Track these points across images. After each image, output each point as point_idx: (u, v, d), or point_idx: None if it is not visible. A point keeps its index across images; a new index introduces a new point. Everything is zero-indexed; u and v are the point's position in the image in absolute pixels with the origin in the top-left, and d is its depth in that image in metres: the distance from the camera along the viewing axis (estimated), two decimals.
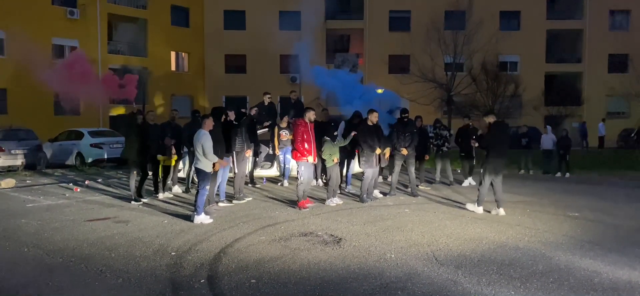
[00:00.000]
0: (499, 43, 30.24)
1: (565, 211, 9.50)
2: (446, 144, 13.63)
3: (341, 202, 10.22)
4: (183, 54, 35.59)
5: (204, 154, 8.50)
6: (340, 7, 37.13)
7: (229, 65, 35.78)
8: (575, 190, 12.53)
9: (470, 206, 9.52)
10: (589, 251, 6.66)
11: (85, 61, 14.19)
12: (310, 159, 9.66)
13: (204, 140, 8.52)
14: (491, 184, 9.23)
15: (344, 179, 11.98)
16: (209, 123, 8.76)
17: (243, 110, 12.82)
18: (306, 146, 9.45)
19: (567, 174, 15.58)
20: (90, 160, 18.46)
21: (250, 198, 10.70)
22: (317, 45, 31.15)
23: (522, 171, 16.72)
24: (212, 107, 10.59)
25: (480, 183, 9.30)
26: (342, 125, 12.43)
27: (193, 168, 9.74)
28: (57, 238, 7.46)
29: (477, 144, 10.03)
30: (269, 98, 13.59)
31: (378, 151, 10.37)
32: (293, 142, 9.74)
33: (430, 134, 13.94)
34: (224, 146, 9.50)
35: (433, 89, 30.76)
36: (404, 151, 11.12)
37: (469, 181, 13.31)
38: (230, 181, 10.92)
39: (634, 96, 31.37)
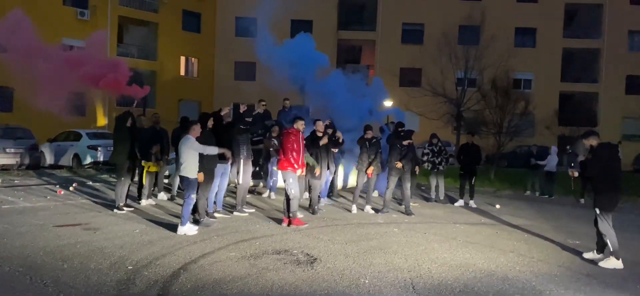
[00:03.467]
0: (513, 60, 29.47)
1: (566, 238, 8.83)
2: (444, 162, 12.95)
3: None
4: (193, 59, 35.42)
5: (198, 151, 8.03)
6: (353, 17, 36.74)
7: (238, 72, 35.49)
8: (581, 216, 11.78)
9: (607, 263, 6.99)
10: (585, 285, 6.02)
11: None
12: (299, 171, 9.12)
13: (191, 143, 8.02)
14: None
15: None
16: (197, 129, 8.27)
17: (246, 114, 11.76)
18: (294, 155, 8.87)
19: (582, 200, 14.35)
20: (87, 162, 18.16)
21: (253, 210, 10.19)
22: (328, 55, 30.70)
23: (528, 192, 16.00)
24: (201, 113, 10.04)
25: (597, 227, 7.26)
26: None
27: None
28: (17, 243, 7.00)
29: (575, 174, 7.97)
30: (264, 105, 13.10)
31: (317, 171, 10.09)
32: (281, 151, 9.13)
33: (426, 151, 13.28)
34: (215, 156, 8.93)
35: (443, 104, 30.12)
36: (399, 165, 10.55)
37: (462, 203, 12.61)
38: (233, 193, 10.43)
39: None
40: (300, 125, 9.16)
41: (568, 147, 13.99)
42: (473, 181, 12.79)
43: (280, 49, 14.15)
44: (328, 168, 10.96)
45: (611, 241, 6.98)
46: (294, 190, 8.91)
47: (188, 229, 7.93)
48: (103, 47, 10.86)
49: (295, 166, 8.93)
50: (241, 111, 9.90)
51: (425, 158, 13.17)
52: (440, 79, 29.83)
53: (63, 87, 9.68)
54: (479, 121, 27.24)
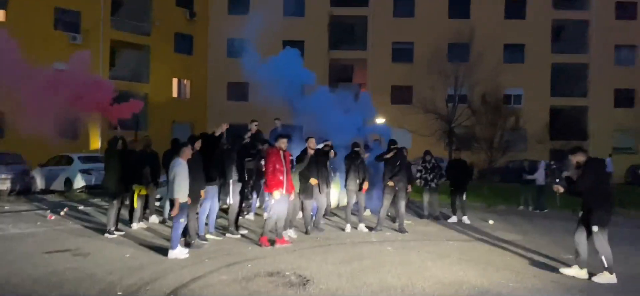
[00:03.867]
0: (502, 75, 29.64)
1: (560, 253, 8.78)
2: (436, 179, 12.88)
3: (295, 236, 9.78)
4: (185, 81, 35.40)
5: (176, 181, 7.92)
6: (343, 37, 36.94)
7: (230, 92, 35.48)
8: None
9: (600, 278, 6.90)
10: None
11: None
12: (278, 191, 8.82)
13: (178, 171, 7.95)
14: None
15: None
16: (188, 152, 8.19)
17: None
18: (281, 177, 8.78)
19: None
20: (79, 186, 17.98)
21: (246, 231, 10.09)
22: (320, 75, 30.79)
23: (521, 207, 15.99)
24: (189, 136, 9.96)
25: (575, 238, 7.23)
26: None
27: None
28: (3, 272, 6.87)
29: (561, 190, 7.55)
30: (256, 126, 13.03)
31: (313, 181, 9.95)
32: (264, 173, 9.07)
33: (419, 167, 13.23)
34: (202, 178, 8.87)
35: (434, 121, 30.20)
36: (390, 184, 10.52)
37: (455, 219, 12.56)
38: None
39: None
40: (282, 144, 9.06)
41: (552, 162, 13.69)
42: (464, 197, 12.76)
43: (266, 65, 13.89)
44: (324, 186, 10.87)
45: (606, 257, 6.88)
46: (273, 210, 8.83)
47: (179, 252, 7.82)
48: (86, 66, 10.33)
49: (278, 186, 8.76)
50: (217, 134, 9.68)
51: (418, 175, 13.13)
52: (431, 96, 29.93)
53: (48, 109, 9.36)
54: (470, 137, 27.33)
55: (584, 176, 7.04)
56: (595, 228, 6.96)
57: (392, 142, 11.11)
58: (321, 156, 10.68)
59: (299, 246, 8.93)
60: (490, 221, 12.57)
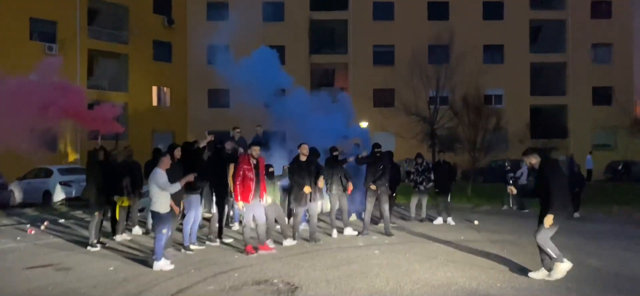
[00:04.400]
0: (483, 76, 30.00)
1: None
2: (426, 183, 12.93)
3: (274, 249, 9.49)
4: (165, 88, 35.09)
5: (162, 190, 7.84)
6: (324, 41, 37.02)
7: (212, 100, 35.26)
8: (560, 229, 11.91)
9: (557, 272, 6.76)
10: None
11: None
12: (252, 198, 8.81)
13: (157, 178, 7.88)
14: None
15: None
16: (166, 162, 8.13)
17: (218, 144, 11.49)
18: (251, 185, 8.71)
19: (577, 214, 13.81)
20: (58, 199, 17.68)
21: (231, 240, 10.01)
22: (301, 80, 30.79)
23: (505, 207, 16.17)
24: (169, 145, 9.85)
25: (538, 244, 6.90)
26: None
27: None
28: None
29: (513, 191, 7.75)
30: (238, 133, 12.99)
31: (306, 188, 9.82)
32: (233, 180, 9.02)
33: (410, 169, 13.29)
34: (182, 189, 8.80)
35: (417, 123, 30.40)
36: (372, 187, 10.55)
37: (441, 221, 12.67)
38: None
39: (619, 128, 31.18)
40: (254, 151, 9.01)
41: (506, 163, 13.67)
42: (448, 199, 12.85)
43: (240, 67, 13.44)
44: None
45: (552, 250, 6.71)
46: (246, 218, 8.94)
47: (163, 264, 7.74)
48: (55, 72, 9.88)
49: (246, 193, 8.74)
50: (201, 146, 9.62)
51: (411, 176, 13.23)
52: (412, 98, 30.14)
53: (17, 120, 8.99)
54: (453, 138, 27.58)
55: (541, 182, 6.85)
56: (544, 225, 6.70)
57: (376, 145, 11.14)
58: (334, 162, 10.89)
59: (286, 253, 8.90)
60: (476, 222, 12.69)
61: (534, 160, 7.06)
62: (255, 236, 9.09)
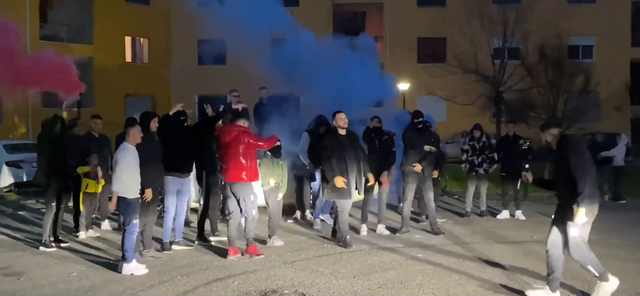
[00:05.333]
0: (567, 20, 29.64)
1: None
2: (486, 163, 12.83)
3: (282, 243, 9.77)
4: (141, 40, 35.47)
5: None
6: None
7: (203, 54, 35.43)
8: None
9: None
10: None
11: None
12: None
13: (120, 157, 8.03)
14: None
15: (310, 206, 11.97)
16: (136, 134, 8.25)
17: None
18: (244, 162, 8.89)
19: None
20: (5, 184, 18.06)
21: (225, 239, 10.16)
22: (321, 26, 30.78)
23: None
24: (142, 113, 9.89)
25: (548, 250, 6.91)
26: (304, 137, 11.73)
27: None
28: None
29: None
30: (236, 97, 13.09)
31: (338, 181, 9.32)
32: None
33: (466, 147, 13.20)
34: (160, 168, 8.93)
35: (476, 84, 30.25)
36: (418, 168, 10.54)
37: (507, 215, 12.74)
38: None
39: None
40: (241, 125, 9.16)
41: (521, 141, 12.79)
42: (518, 186, 12.79)
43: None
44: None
45: (594, 266, 6.53)
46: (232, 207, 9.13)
47: (135, 267, 7.90)
48: None
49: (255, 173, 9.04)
50: (171, 114, 9.68)
51: (464, 156, 13.11)
52: (470, 51, 29.97)
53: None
54: (525, 105, 27.39)
55: (561, 165, 6.63)
56: (573, 231, 6.55)
57: (416, 114, 11.10)
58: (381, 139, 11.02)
59: (301, 255, 9.02)
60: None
61: (550, 137, 6.84)
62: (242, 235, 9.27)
